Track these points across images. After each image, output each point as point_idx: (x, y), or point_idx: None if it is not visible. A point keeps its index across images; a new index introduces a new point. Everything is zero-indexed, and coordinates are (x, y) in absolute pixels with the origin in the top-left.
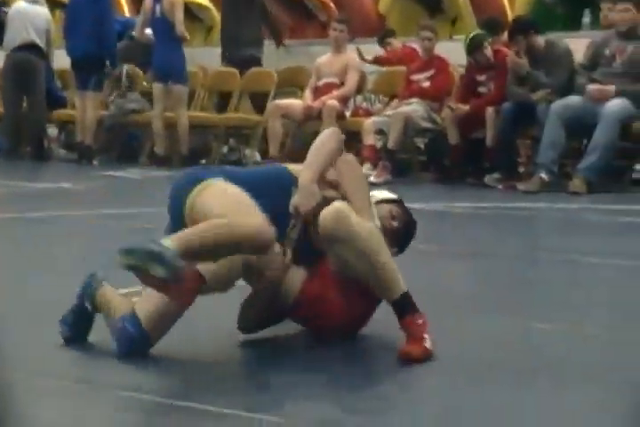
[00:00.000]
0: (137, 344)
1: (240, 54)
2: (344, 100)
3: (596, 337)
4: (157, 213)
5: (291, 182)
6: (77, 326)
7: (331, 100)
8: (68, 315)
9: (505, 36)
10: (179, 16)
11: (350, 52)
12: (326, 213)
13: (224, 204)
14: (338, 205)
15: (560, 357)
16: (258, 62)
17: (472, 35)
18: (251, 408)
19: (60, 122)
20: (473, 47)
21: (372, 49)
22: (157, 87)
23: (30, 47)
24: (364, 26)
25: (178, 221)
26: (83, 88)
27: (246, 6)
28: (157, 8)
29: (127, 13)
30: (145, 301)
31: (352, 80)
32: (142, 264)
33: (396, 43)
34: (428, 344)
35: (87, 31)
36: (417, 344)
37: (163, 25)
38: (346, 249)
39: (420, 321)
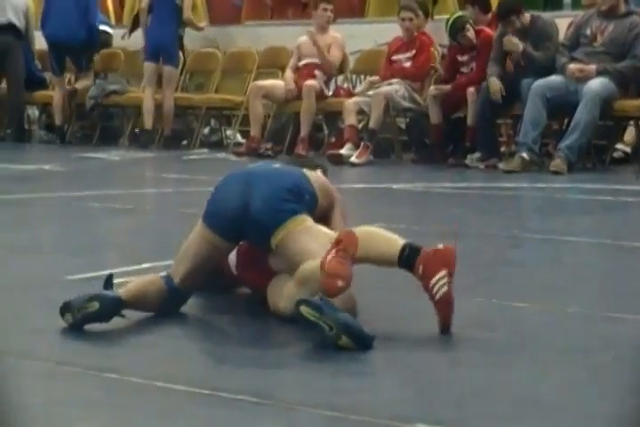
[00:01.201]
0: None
1: None
2: (328, 69)
3: (576, 316)
4: (137, 194)
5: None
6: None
7: (310, 80)
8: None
9: (488, 16)
10: (187, 1)
11: (332, 32)
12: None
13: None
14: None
15: (540, 336)
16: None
17: (454, 17)
18: (226, 389)
19: (40, 103)
20: (455, 30)
21: (353, 29)
22: (150, 66)
23: (7, 28)
24: (345, 7)
25: (239, 225)
26: (61, 72)
27: None
28: None
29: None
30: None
31: (334, 56)
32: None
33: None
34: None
35: (74, 16)
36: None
37: (164, 5)
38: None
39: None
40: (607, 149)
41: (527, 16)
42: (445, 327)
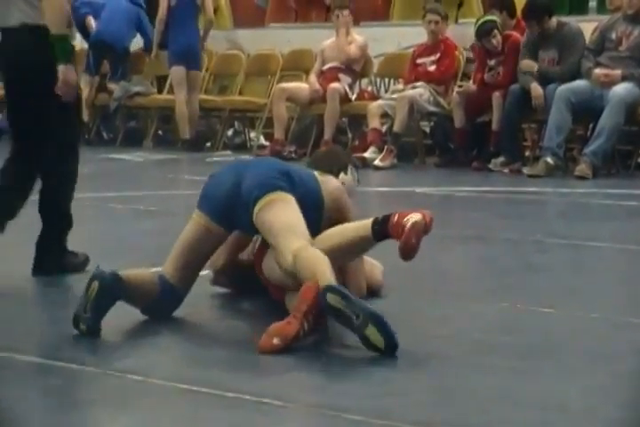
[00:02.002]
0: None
1: None
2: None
3: (601, 321)
4: (161, 195)
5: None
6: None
7: (334, 83)
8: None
9: (514, 20)
10: (209, 2)
11: (355, 35)
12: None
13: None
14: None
15: (565, 341)
16: None
17: (482, 20)
18: (250, 392)
19: None
20: (482, 33)
21: (377, 32)
22: (180, 70)
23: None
24: (369, 10)
25: (231, 206)
26: (96, 73)
27: None
28: None
29: None
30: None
31: (353, 49)
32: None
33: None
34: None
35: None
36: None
37: (188, 8)
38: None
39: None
40: (632, 155)
41: (554, 21)
42: (406, 253)
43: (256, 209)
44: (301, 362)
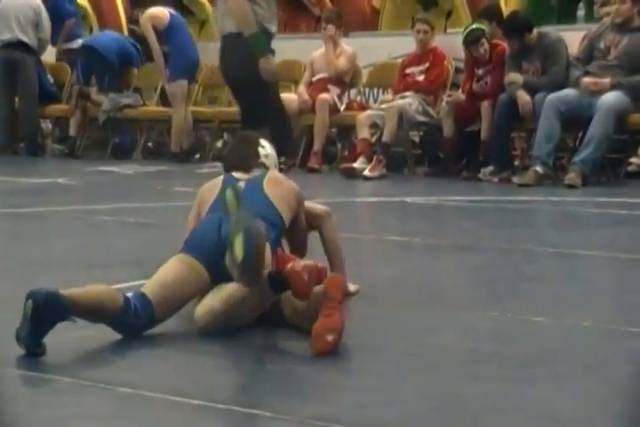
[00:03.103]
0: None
1: None
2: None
3: (592, 330)
4: (151, 207)
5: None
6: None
7: (323, 94)
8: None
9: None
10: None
11: (344, 46)
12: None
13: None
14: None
15: (557, 350)
16: None
17: (470, 29)
18: (245, 403)
19: (53, 117)
20: (469, 41)
21: (366, 42)
22: (185, 84)
23: (17, 44)
24: (358, 20)
25: (215, 257)
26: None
27: None
28: (171, 10)
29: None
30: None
31: (342, 62)
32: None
33: None
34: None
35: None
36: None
37: (181, 21)
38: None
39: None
40: (621, 163)
41: (535, 33)
42: (299, 292)
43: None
44: (291, 373)
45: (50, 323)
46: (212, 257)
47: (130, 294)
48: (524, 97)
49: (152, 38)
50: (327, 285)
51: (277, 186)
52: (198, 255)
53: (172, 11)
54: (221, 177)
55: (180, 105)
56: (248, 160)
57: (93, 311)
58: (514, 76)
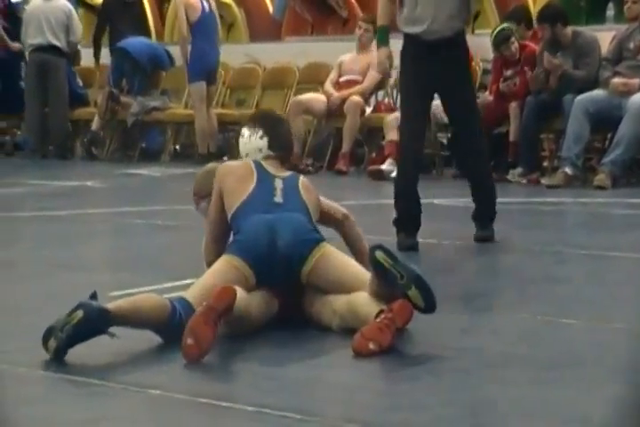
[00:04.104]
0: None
1: None
2: (361, 97)
3: (622, 332)
4: (179, 210)
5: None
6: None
7: (355, 96)
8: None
9: (530, 32)
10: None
11: (374, 51)
12: None
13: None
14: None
15: (587, 352)
16: None
17: (499, 28)
18: (274, 406)
19: (83, 120)
20: (499, 41)
21: (393, 44)
22: (203, 86)
23: (48, 48)
24: None
25: (269, 265)
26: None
27: None
28: (205, 4)
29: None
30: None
31: (371, 78)
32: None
33: None
34: None
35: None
36: None
37: (212, 22)
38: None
39: None
40: None
41: (569, 31)
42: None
43: (306, 268)
44: (323, 375)
45: (91, 334)
46: (261, 261)
47: (175, 302)
48: (550, 59)
49: (183, 25)
50: (398, 308)
51: (309, 193)
52: (248, 258)
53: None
54: (250, 163)
55: (199, 107)
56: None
57: (140, 325)
58: (550, 60)
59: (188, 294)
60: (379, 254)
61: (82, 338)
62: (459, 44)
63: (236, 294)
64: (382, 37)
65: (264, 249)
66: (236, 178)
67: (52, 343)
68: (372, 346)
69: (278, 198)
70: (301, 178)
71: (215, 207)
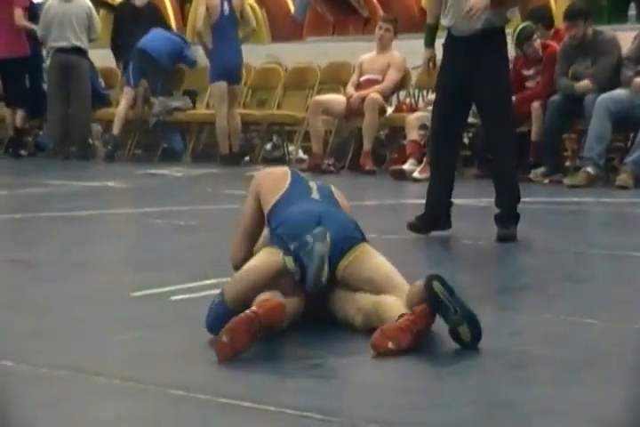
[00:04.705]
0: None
1: None
2: (382, 96)
3: None
4: (200, 210)
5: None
6: None
7: (373, 94)
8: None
9: (551, 31)
10: (249, 12)
11: (394, 51)
12: None
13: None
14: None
15: (610, 353)
16: None
17: (521, 26)
18: (295, 406)
19: (104, 121)
20: (522, 39)
21: (415, 44)
22: (223, 86)
23: (70, 49)
24: (406, 21)
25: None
26: (134, 83)
27: None
28: (226, 6)
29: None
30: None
31: (390, 78)
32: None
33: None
34: None
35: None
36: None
37: (231, 23)
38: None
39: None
40: None
41: (590, 30)
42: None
43: (343, 263)
44: (343, 375)
45: None
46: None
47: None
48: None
49: (200, 21)
50: (420, 312)
51: (344, 202)
52: (292, 247)
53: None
54: (285, 168)
55: (219, 107)
56: None
57: None
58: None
59: (231, 292)
60: (436, 285)
61: None
62: (490, 39)
63: (285, 314)
64: (426, 38)
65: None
66: (271, 178)
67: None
68: (390, 345)
69: (315, 195)
70: (333, 187)
71: (250, 205)
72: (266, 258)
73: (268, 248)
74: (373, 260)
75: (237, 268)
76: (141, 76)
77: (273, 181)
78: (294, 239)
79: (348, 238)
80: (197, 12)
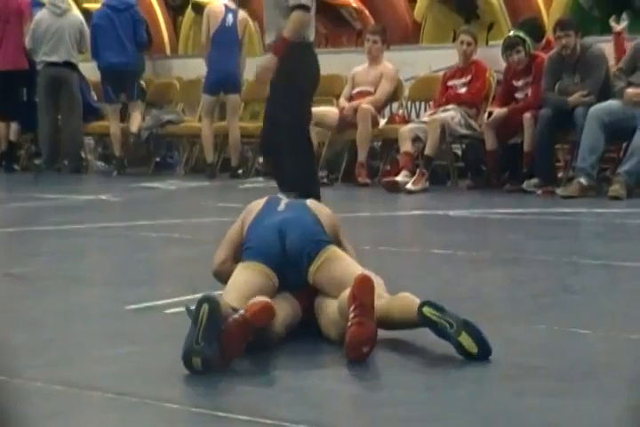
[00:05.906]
0: None
1: None
2: (374, 108)
3: (638, 343)
4: (194, 223)
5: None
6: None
7: (364, 104)
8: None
9: (541, 43)
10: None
11: (386, 62)
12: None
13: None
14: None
15: (605, 363)
16: None
17: (508, 35)
18: (288, 419)
19: (96, 134)
20: (505, 47)
21: (407, 56)
22: (210, 98)
23: (61, 64)
24: (399, 33)
25: (281, 266)
26: (116, 100)
27: None
28: (230, 17)
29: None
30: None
31: (383, 90)
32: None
33: None
34: None
35: (120, 43)
36: None
37: (231, 34)
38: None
39: None
40: None
41: (578, 45)
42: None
43: (313, 268)
44: (339, 387)
45: (220, 328)
46: (274, 262)
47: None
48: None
49: (204, 35)
50: (356, 288)
51: (321, 210)
52: (266, 262)
53: (231, 6)
54: (269, 196)
55: (204, 119)
56: None
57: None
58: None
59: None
60: (426, 310)
61: (217, 335)
62: None
63: (274, 314)
64: None
65: (275, 250)
66: (254, 204)
67: (197, 360)
68: (365, 349)
69: (281, 207)
70: (309, 200)
71: (235, 230)
72: (246, 272)
73: (245, 264)
74: (343, 262)
75: (216, 272)
76: (120, 91)
77: (255, 206)
78: (261, 256)
79: (315, 242)
80: (202, 28)
